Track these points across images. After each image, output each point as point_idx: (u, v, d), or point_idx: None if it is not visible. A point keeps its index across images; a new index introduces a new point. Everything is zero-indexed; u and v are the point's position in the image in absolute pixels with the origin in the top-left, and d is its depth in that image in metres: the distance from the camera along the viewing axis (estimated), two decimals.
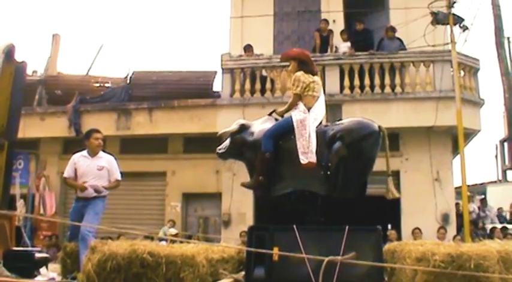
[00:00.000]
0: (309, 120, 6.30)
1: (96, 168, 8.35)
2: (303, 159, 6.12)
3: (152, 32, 75.47)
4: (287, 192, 6.38)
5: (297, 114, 6.41)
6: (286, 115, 6.78)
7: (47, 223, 15.70)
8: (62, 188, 17.15)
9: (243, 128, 7.01)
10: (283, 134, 6.42)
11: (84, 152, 8.57)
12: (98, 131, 8.68)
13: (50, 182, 16.86)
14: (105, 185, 8.37)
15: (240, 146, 6.97)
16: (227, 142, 7.16)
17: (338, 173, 5.94)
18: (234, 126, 7.04)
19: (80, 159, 8.50)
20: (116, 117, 16.45)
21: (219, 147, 7.24)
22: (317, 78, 6.81)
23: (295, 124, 6.31)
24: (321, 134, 6.26)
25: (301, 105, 6.50)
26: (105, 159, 8.52)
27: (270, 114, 7.07)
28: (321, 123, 6.54)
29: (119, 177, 8.57)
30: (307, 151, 6.13)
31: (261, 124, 6.97)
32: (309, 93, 6.55)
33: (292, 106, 6.60)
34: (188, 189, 16.48)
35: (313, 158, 6.11)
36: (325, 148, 6.10)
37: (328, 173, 5.98)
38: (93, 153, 8.47)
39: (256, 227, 6.47)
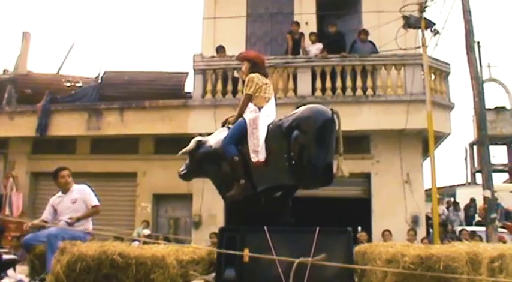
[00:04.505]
0: (260, 119, 6.39)
1: (70, 203, 8.27)
2: (254, 157, 6.23)
3: (124, 31, 75.22)
4: (259, 192, 6.41)
5: (248, 114, 6.53)
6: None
7: (15, 224, 15.50)
8: (30, 188, 17.01)
9: (200, 144, 7.06)
10: (241, 137, 6.45)
11: (59, 192, 8.54)
12: (63, 169, 8.57)
13: (18, 182, 16.67)
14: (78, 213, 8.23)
15: (201, 162, 7.01)
16: (187, 161, 7.20)
17: (302, 160, 5.95)
18: (191, 144, 7.09)
19: (56, 200, 8.45)
20: (87, 117, 16.31)
21: (181, 169, 7.28)
22: (269, 81, 6.92)
23: (247, 122, 6.38)
24: (277, 127, 6.32)
25: (251, 105, 6.62)
26: (77, 191, 8.42)
27: (223, 125, 7.14)
28: (273, 121, 6.59)
29: (95, 203, 8.40)
30: (257, 149, 6.22)
31: (216, 136, 7.03)
32: (261, 94, 6.68)
33: (243, 107, 6.68)
34: (159, 190, 16.41)
35: (262, 157, 6.18)
36: (284, 139, 6.13)
37: (293, 162, 5.99)
38: (64, 190, 8.43)
39: (227, 228, 6.47)
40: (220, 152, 6.60)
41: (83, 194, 8.37)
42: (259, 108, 6.56)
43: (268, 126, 6.41)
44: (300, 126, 6.04)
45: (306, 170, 5.97)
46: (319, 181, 6.15)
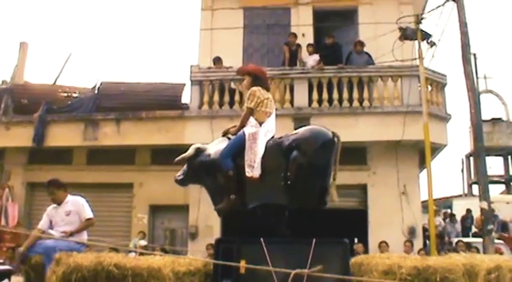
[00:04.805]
0: (259, 134, 6.39)
1: (64, 215, 8.20)
2: (248, 172, 6.23)
3: (122, 42, 75.28)
4: (252, 207, 6.40)
5: (249, 129, 6.52)
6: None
7: (10, 234, 15.44)
8: (26, 198, 16.93)
9: (199, 151, 7.06)
10: (239, 151, 6.45)
11: (54, 203, 8.46)
12: (49, 186, 8.49)
13: (14, 192, 16.62)
14: (74, 228, 8.16)
15: (198, 169, 7.01)
16: (185, 167, 7.19)
17: (298, 181, 5.95)
18: (190, 151, 7.09)
19: (51, 211, 8.38)
20: (83, 128, 16.27)
21: (177, 174, 7.30)
22: (271, 96, 6.91)
23: (246, 137, 6.38)
24: (276, 145, 6.32)
25: (252, 120, 6.61)
26: (71, 203, 8.34)
27: (223, 135, 7.14)
28: (272, 137, 6.59)
29: (90, 216, 8.32)
30: (253, 165, 6.22)
31: (215, 145, 7.03)
32: (262, 109, 6.66)
33: (244, 121, 6.69)
34: (155, 201, 16.37)
35: (257, 173, 6.18)
36: (282, 158, 6.14)
37: (289, 182, 5.99)
38: (57, 203, 8.37)
39: (223, 239, 6.47)
40: (217, 164, 6.61)
41: (76, 206, 8.29)
42: (260, 123, 6.56)
43: (267, 142, 6.41)
44: (300, 147, 6.06)
45: (301, 192, 5.99)
46: (313, 204, 6.17)
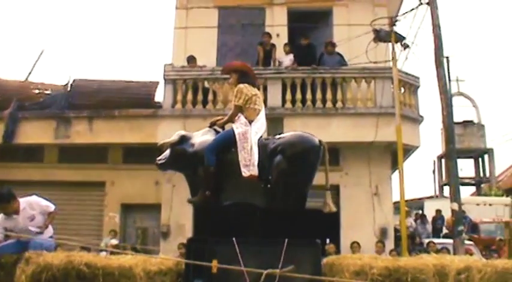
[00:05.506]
0: (250, 133, 6.33)
1: (28, 221, 7.82)
2: (245, 172, 6.17)
3: (95, 39, 74.80)
4: (227, 205, 6.40)
5: (238, 127, 6.45)
6: (226, 127, 6.81)
7: None
8: None
9: (184, 139, 7.02)
10: (225, 147, 6.43)
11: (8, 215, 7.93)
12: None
13: None
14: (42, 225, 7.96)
15: (180, 157, 6.96)
16: (167, 153, 7.14)
17: (278, 185, 5.98)
18: (174, 137, 7.04)
19: (6, 222, 7.87)
20: (55, 125, 16.13)
21: (159, 158, 7.23)
22: (258, 92, 6.87)
23: (237, 137, 6.35)
24: (262, 147, 6.32)
25: (242, 118, 6.54)
26: (29, 207, 7.90)
27: (210, 126, 7.10)
28: (261, 136, 6.57)
29: (52, 208, 8.10)
30: (248, 164, 6.18)
31: (201, 136, 7.00)
32: (251, 106, 6.61)
33: (233, 117, 6.64)
34: (127, 200, 16.27)
35: (254, 171, 6.15)
36: (266, 161, 6.14)
37: (269, 185, 6.00)
38: (14, 214, 7.84)
39: (195, 239, 6.43)
40: (200, 156, 6.57)
41: (37, 208, 7.98)
42: (250, 122, 6.52)
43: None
44: (284, 152, 6.07)
45: (280, 197, 6.00)
46: (290, 209, 6.18)
